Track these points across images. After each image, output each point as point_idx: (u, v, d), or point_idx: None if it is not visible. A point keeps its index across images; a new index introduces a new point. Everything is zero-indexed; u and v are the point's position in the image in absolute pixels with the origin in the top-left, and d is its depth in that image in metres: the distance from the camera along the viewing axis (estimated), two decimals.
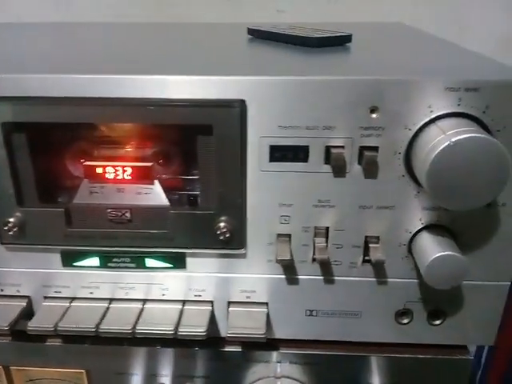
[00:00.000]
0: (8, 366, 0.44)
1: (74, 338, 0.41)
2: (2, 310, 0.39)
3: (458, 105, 0.32)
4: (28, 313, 0.40)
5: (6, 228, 0.36)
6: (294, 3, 0.79)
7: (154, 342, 0.41)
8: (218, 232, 0.36)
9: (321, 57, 0.41)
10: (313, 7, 0.78)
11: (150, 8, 0.78)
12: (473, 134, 0.30)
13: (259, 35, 0.51)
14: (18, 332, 0.40)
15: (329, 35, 0.45)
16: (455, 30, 0.78)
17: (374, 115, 0.33)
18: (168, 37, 0.57)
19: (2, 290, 0.40)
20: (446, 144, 0.29)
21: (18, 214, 0.36)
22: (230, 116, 0.33)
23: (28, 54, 0.45)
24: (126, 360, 0.42)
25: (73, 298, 0.40)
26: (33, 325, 0.38)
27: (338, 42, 0.45)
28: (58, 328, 0.37)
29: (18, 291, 0.40)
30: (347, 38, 0.45)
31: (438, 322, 0.39)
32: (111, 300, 0.40)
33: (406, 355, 0.40)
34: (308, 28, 0.49)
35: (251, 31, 0.52)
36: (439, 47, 0.48)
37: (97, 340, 0.41)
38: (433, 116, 0.32)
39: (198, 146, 0.35)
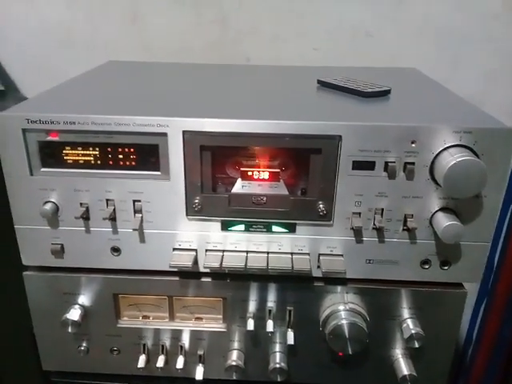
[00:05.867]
0: (172, 296, 0.69)
1: (219, 276, 0.66)
2: (181, 257, 0.64)
3: (460, 140, 0.57)
4: (194, 260, 0.65)
5: (193, 206, 0.61)
6: (326, 43, 1.05)
7: (268, 279, 0.66)
8: (319, 210, 0.61)
9: (375, 105, 0.67)
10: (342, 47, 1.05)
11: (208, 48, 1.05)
12: (468, 157, 0.55)
13: (326, 85, 0.76)
14: (180, 273, 0.66)
15: (377, 90, 0.70)
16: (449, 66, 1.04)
17: (413, 145, 0.58)
18: (256, 80, 0.83)
19: (180, 245, 0.65)
20: (454, 162, 0.55)
21: (199, 198, 0.62)
22: (332, 143, 0.58)
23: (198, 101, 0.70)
24: (248, 291, 0.67)
25: (224, 251, 0.65)
26: (207, 264, 0.63)
27: (383, 94, 0.71)
28: (222, 266, 0.62)
29: (190, 245, 0.65)
30: (389, 91, 0.71)
31: (446, 268, 0.64)
32: (248, 252, 0.65)
33: (425, 289, 0.66)
34: (358, 81, 0.74)
35: (320, 81, 0.77)
36: (447, 98, 0.73)
37: (233, 277, 0.66)
38: (446, 146, 0.57)
39: (310, 160, 0.60)
